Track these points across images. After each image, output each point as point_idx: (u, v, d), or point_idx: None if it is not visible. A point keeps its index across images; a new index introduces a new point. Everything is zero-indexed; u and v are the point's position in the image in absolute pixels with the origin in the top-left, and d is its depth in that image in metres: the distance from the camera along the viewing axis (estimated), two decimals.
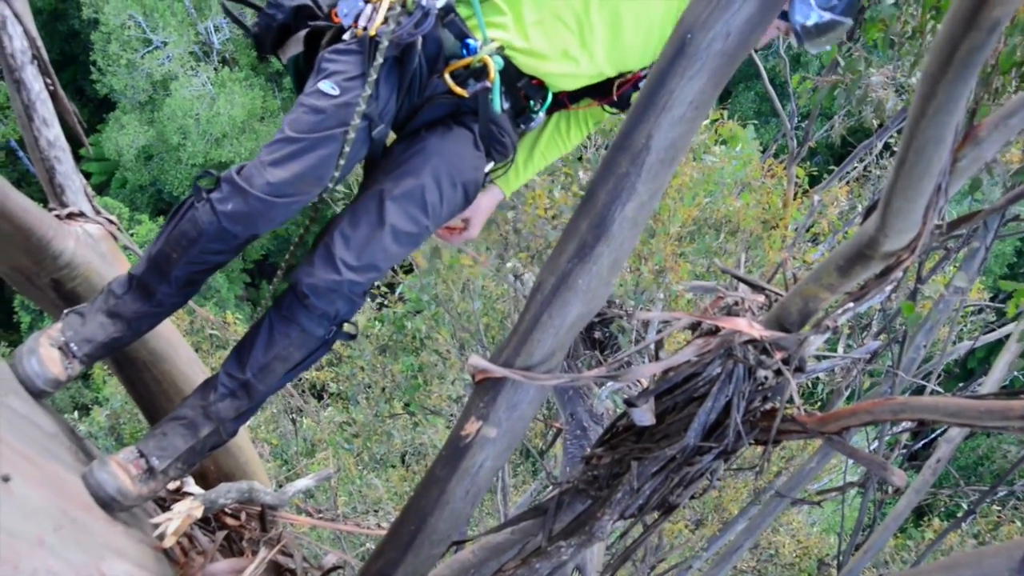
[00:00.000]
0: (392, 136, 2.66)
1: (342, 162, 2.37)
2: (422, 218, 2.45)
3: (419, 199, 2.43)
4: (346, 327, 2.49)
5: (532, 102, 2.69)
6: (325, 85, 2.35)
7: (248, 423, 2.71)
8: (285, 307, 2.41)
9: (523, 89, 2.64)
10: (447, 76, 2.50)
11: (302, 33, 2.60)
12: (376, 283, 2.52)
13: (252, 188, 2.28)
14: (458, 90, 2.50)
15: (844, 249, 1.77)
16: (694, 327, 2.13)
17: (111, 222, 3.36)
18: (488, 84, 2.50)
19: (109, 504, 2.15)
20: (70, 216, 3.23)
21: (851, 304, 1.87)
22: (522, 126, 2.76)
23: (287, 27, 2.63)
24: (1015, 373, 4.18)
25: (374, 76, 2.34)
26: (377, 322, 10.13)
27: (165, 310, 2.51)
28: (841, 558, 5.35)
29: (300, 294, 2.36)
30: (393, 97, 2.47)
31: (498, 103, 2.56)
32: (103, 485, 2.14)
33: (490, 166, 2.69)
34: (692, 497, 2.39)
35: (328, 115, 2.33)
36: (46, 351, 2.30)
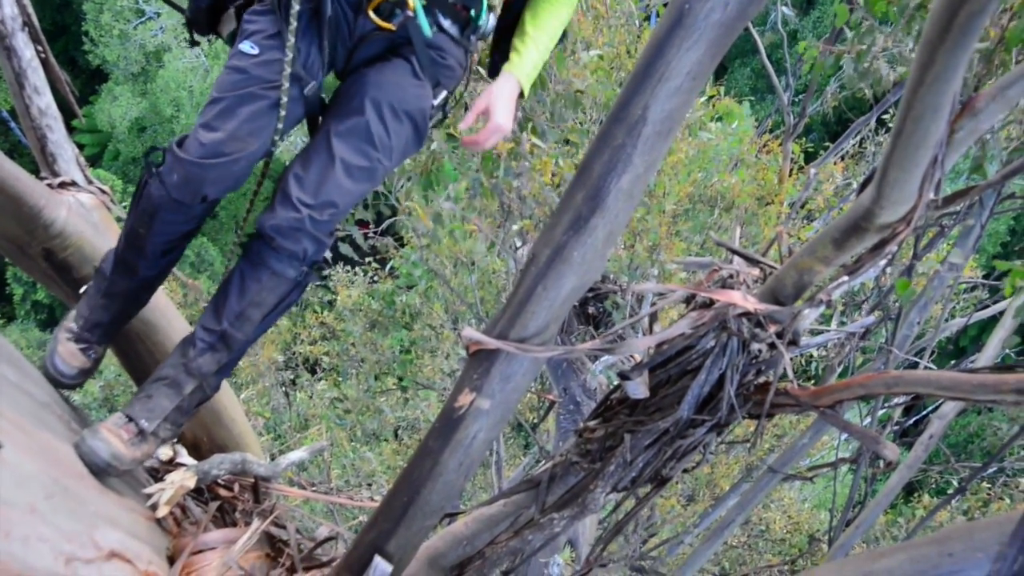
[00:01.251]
0: (338, 83, 2.69)
1: (280, 125, 2.42)
2: (371, 151, 2.46)
3: (364, 132, 2.44)
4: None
5: (472, 11, 2.68)
6: (245, 46, 2.42)
7: (241, 396, 2.73)
8: (254, 253, 2.44)
9: (457, 3, 2.63)
10: (371, 13, 2.52)
11: (232, 9, 2.66)
12: (338, 225, 2.53)
13: (187, 155, 2.34)
14: (385, 25, 2.53)
15: (840, 221, 1.77)
16: (688, 300, 2.13)
17: (103, 192, 3.34)
18: (410, 13, 2.52)
19: (104, 470, 2.16)
20: (62, 185, 3.20)
21: (846, 277, 1.86)
22: (472, 38, 2.75)
23: (216, 6, 2.69)
24: (1007, 351, 4.20)
25: (293, 24, 2.37)
26: (369, 297, 10.13)
27: (153, 280, 2.64)
28: (832, 534, 5.39)
29: (266, 237, 2.40)
30: (314, 50, 2.51)
31: (427, 28, 2.56)
32: (96, 452, 2.15)
33: (443, 95, 2.69)
34: (685, 470, 2.39)
35: (250, 75, 2.40)
36: (64, 347, 2.51)
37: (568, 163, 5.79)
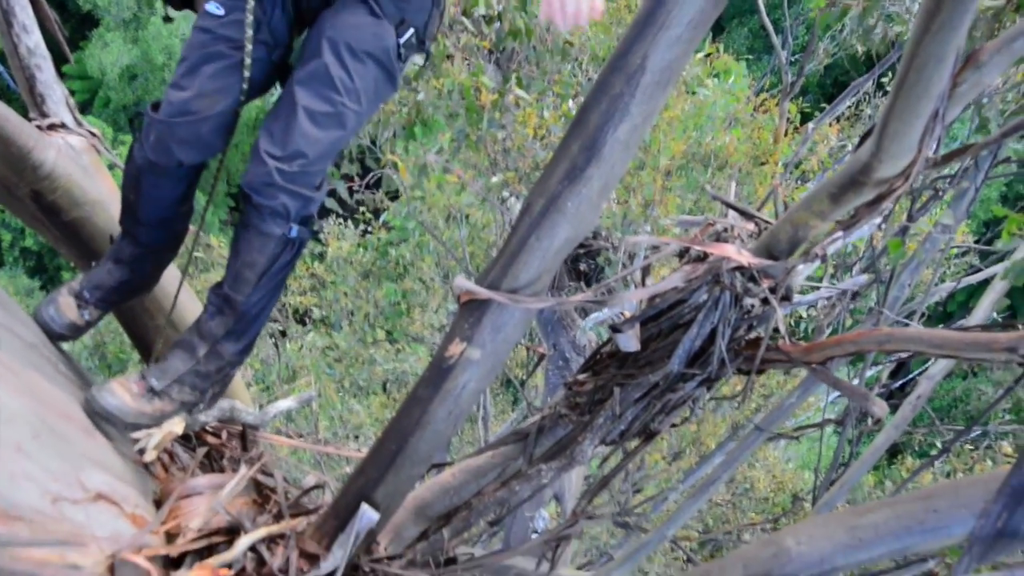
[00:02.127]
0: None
1: (245, 86, 2.42)
2: (333, 95, 2.40)
3: (324, 76, 2.39)
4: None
5: None
6: (211, 6, 2.42)
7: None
8: (241, 214, 2.44)
9: None
10: None
11: None
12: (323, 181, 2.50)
13: (158, 115, 2.38)
14: None
15: (837, 176, 1.75)
16: (682, 254, 2.12)
17: (93, 135, 3.30)
18: None
19: (109, 420, 2.22)
20: (51, 127, 3.17)
21: (841, 232, 1.85)
22: None
23: None
24: (996, 315, 4.21)
25: None
26: (361, 248, 10.09)
27: (156, 249, 2.68)
28: (816, 493, 5.43)
29: (245, 196, 2.39)
30: (278, 11, 2.49)
31: None
32: (102, 402, 2.22)
33: (410, 32, 2.60)
34: (673, 425, 2.40)
35: (215, 34, 2.40)
36: (63, 299, 2.53)
37: (553, 115, 5.75)
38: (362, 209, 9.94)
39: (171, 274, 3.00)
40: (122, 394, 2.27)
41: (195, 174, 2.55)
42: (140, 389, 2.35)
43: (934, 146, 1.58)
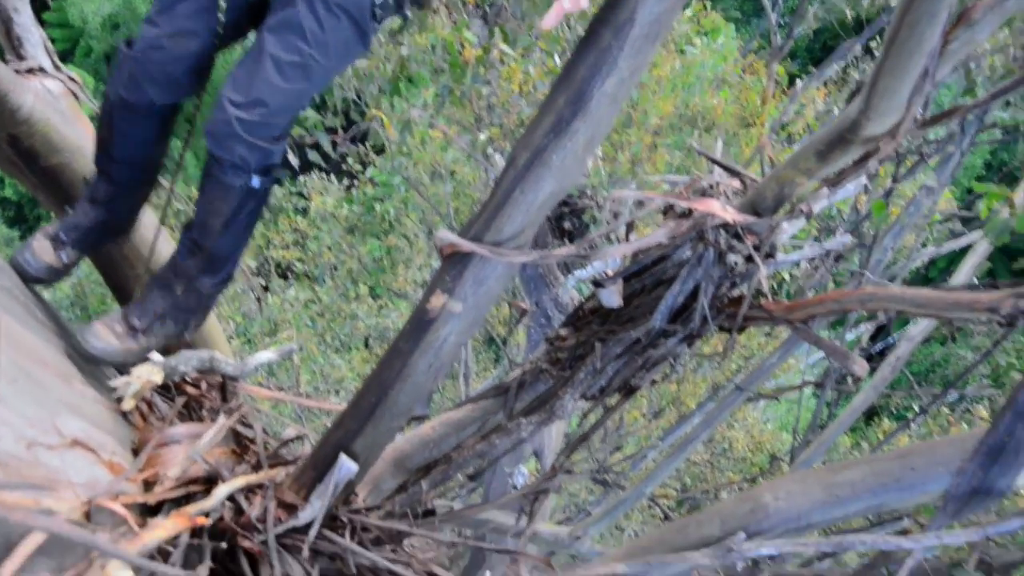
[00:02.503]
0: None
1: (219, 29, 2.38)
2: (303, 46, 2.35)
3: (295, 26, 2.34)
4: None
5: None
6: None
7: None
8: (206, 164, 2.43)
9: None
10: None
11: None
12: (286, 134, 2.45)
13: (131, 50, 2.37)
14: None
15: (824, 134, 1.74)
16: (667, 210, 2.11)
17: (72, 80, 3.24)
18: None
19: (95, 360, 2.31)
20: (29, 71, 3.11)
21: (827, 190, 1.85)
22: None
23: None
24: (975, 280, 4.23)
25: None
26: (346, 203, 10.03)
27: (130, 188, 2.66)
28: (794, 454, 5.48)
29: (207, 146, 2.37)
30: None
31: None
32: (88, 342, 2.30)
33: None
34: (653, 381, 2.40)
35: None
36: (38, 243, 2.53)
37: (539, 70, 5.69)
38: (350, 160, 9.87)
39: (151, 222, 2.97)
40: (107, 335, 2.35)
41: (169, 114, 2.52)
42: (123, 329, 2.42)
43: (922, 105, 1.57)
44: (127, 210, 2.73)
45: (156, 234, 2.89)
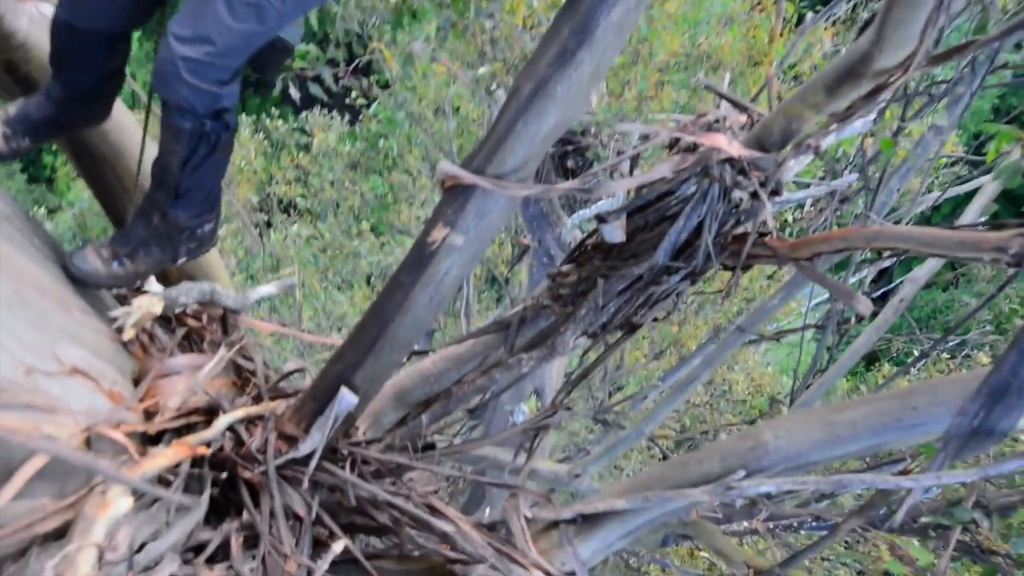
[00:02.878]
0: None
1: None
2: None
3: None
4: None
5: None
6: None
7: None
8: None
9: None
10: None
11: None
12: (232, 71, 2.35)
13: None
14: None
15: (834, 67, 1.71)
16: (672, 145, 2.08)
17: None
18: None
19: (83, 281, 2.35)
20: None
21: (835, 125, 1.81)
22: None
23: None
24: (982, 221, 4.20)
25: None
26: (348, 138, 9.94)
27: (83, 99, 2.61)
28: (794, 396, 5.49)
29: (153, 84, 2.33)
30: None
31: None
32: (77, 265, 2.34)
33: None
34: (655, 319, 2.39)
35: None
36: None
37: (543, 3, 5.59)
38: (353, 94, 9.76)
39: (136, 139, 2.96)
40: (94, 259, 2.39)
41: (121, 43, 2.49)
42: (109, 254, 2.45)
43: (934, 42, 1.53)
44: (80, 116, 2.67)
45: (140, 159, 2.88)
